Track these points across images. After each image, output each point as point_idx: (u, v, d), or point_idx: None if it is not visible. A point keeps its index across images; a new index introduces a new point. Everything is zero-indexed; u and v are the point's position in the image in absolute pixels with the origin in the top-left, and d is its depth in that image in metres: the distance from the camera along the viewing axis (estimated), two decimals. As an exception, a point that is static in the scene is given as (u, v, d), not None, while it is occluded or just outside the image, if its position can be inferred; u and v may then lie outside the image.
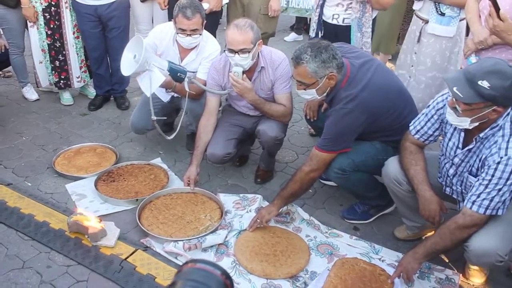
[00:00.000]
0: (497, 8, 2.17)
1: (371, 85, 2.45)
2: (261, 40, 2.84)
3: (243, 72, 2.83)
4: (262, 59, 2.91)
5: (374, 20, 3.39)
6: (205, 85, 3.08)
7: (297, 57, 2.41)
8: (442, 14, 3.15)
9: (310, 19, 6.32)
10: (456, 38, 3.23)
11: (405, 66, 3.51)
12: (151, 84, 2.83)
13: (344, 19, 3.32)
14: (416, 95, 3.40)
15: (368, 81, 2.46)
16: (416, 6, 3.35)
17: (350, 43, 3.27)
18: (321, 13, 3.38)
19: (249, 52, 2.74)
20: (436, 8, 3.17)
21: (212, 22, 3.66)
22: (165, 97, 3.37)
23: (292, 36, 6.47)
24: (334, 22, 3.35)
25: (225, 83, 3.02)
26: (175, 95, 3.31)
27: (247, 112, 3.15)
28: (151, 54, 2.91)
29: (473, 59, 2.71)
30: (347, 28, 3.32)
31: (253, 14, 3.89)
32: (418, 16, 3.35)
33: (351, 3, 3.25)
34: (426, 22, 3.26)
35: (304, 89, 2.48)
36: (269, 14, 3.98)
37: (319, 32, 3.41)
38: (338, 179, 2.67)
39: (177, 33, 3.07)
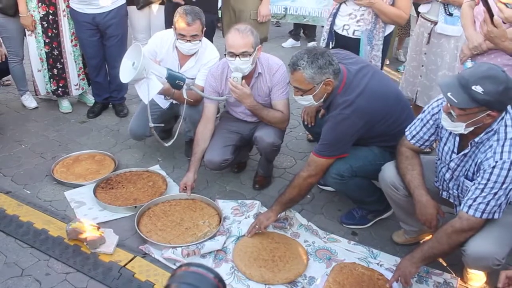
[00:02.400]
0: (491, 15, 2.18)
1: (367, 91, 2.47)
2: (260, 46, 2.87)
3: (242, 78, 2.85)
4: (259, 65, 2.94)
5: (389, 35, 3.28)
6: (203, 91, 3.10)
7: (293, 63, 2.42)
8: (450, 15, 3.27)
9: (305, 25, 6.38)
10: (464, 37, 3.27)
11: (416, 67, 3.58)
12: (149, 91, 2.85)
13: (354, 31, 3.20)
14: (428, 92, 3.51)
15: (365, 87, 2.47)
16: (423, 9, 3.44)
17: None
18: (332, 23, 3.29)
19: (250, 55, 2.77)
20: (445, 9, 3.29)
21: (209, 28, 3.69)
22: (164, 103, 3.39)
23: (290, 42, 6.51)
24: (344, 33, 3.25)
25: (223, 89, 3.04)
26: (174, 101, 3.32)
27: (244, 118, 3.17)
28: (150, 61, 2.94)
29: (469, 64, 2.73)
30: (357, 41, 3.20)
31: (244, 20, 3.92)
32: (426, 18, 3.43)
33: (363, 14, 3.14)
34: (435, 23, 3.34)
35: (301, 95, 2.50)
36: (258, 19, 4.01)
37: (330, 43, 3.32)
38: (336, 184, 2.68)
39: (177, 39, 3.09)
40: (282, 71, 2.94)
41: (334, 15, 3.29)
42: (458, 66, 2.98)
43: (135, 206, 2.90)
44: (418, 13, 3.64)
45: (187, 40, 3.06)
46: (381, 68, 3.35)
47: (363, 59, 2.88)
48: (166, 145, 3.11)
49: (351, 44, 3.22)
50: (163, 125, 3.35)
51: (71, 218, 2.80)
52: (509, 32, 2.36)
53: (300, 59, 2.39)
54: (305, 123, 3.16)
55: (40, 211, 2.89)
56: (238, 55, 2.76)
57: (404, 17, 3.15)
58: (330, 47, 3.29)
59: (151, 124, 2.95)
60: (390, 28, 3.26)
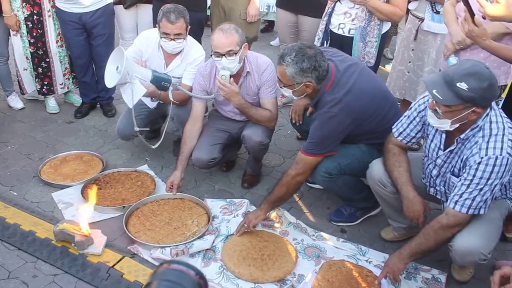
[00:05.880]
0: (472, 14, 2.20)
1: (355, 89, 2.48)
2: (246, 43, 2.87)
3: (231, 76, 2.85)
4: (247, 64, 2.94)
5: (386, 33, 3.29)
6: (191, 90, 3.09)
7: (281, 56, 2.44)
8: (437, 12, 3.26)
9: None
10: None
11: (403, 62, 3.60)
12: (133, 96, 2.85)
13: (350, 29, 3.22)
14: (414, 87, 3.53)
15: (352, 85, 2.48)
16: (411, 6, 3.45)
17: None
18: (328, 22, 3.30)
19: (235, 54, 2.77)
20: (432, 7, 3.29)
21: (197, 27, 3.68)
22: (151, 103, 3.37)
23: (278, 40, 6.50)
24: (340, 32, 3.26)
25: (211, 88, 3.04)
26: (162, 101, 3.31)
27: (233, 117, 3.17)
28: (134, 64, 2.94)
29: (452, 59, 2.79)
30: (352, 40, 3.22)
31: (234, 19, 3.92)
32: (414, 15, 3.45)
33: (357, 12, 3.16)
34: (422, 20, 3.35)
35: (281, 87, 2.54)
36: (247, 19, 4.01)
37: (325, 42, 3.33)
38: (325, 182, 2.69)
39: (161, 38, 3.09)
40: (271, 70, 2.94)
41: (330, 14, 3.30)
42: (441, 61, 3.01)
43: (123, 206, 2.89)
44: (407, 10, 3.67)
45: (171, 39, 3.06)
46: (377, 65, 3.37)
47: (351, 57, 2.89)
48: (153, 147, 3.11)
49: (346, 43, 3.24)
50: (148, 129, 3.36)
51: (59, 219, 2.78)
52: (492, 26, 2.38)
53: (287, 55, 2.40)
54: (293, 121, 3.17)
55: (27, 212, 2.86)
56: (224, 55, 2.76)
57: (399, 13, 3.16)
58: (325, 46, 3.29)
59: (136, 129, 2.96)
60: (387, 26, 3.27)
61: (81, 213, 2.64)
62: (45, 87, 4.09)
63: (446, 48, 2.82)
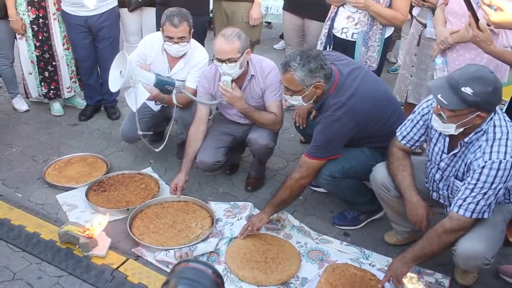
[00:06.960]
0: (476, 19, 2.21)
1: (358, 92, 2.49)
2: (249, 49, 2.88)
3: (232, 81, 2.86)
4: (251, 68, 2.95)
5: (389, 38, 3.31)
6: (195, 93, 3.11)
7: (285, 63, 2.44)
8: None
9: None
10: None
11: (406, 66, 3.62)
12: (137, 100, 2.87)
13: (353, 33, 3.24)
14: (418, 90, 3.54)
15: (356, 89, 2.49)
16: (415, 11, 3.47)
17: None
18: (331, 26, 3.33)
19: (236, 61, 2.78)
20: (433, 15, 3.27)
21: (201, 31, 3.70)
22: (155, 106, 3.39)
23: (282, 44, 6.52)
24: (343, 36, 3.29)
25: (215, 91, 3.05)
26: (166, 104, 3.32)
27: (237, 120, 3.18)
28: (138, 69, 2.96)
29: (438, 60, 2.85)
30: (355, 44, 3.25)
31: (237, 23, 3.94)
32: (418, 20, 3.47)
33: (360, 16, 3.18)
34: (425, 26, 3.37)
35: (291, 95, 2.52)
36: (249, 22, 4.03)
37: (328, 46, 3.35)
38: (328, 185, 2.70)
39: (165, 41, 3.11)
40: (275, 73, 2.95)
41: (333, 19, 3.32)
42: (429, 62, 3.06)
43: (128, 209, 2.90)
44: (411, 15, 3.68)
45: (175, 42, 3.08)
46: (381, 70, 3.38)
47: (354, 60, 2.90)
48: (157, 150, 3.12)
49: (349, 47, 3.25)
50: (151, 133, 3.38)
51: (63, 221, 2.79)
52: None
53: (292, 60, 2.41)
54: (297, 124, 3.18)
55: (32, 214, 2.88)
56: (224, 61, 2.77)
57: (400, 18, 3.19)
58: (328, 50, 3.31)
59: (140, 132, 2.97)
60: (390, 30, 3.29)
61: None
62: (51, 91, 4.11)
63: (433, 49, 2.90)
